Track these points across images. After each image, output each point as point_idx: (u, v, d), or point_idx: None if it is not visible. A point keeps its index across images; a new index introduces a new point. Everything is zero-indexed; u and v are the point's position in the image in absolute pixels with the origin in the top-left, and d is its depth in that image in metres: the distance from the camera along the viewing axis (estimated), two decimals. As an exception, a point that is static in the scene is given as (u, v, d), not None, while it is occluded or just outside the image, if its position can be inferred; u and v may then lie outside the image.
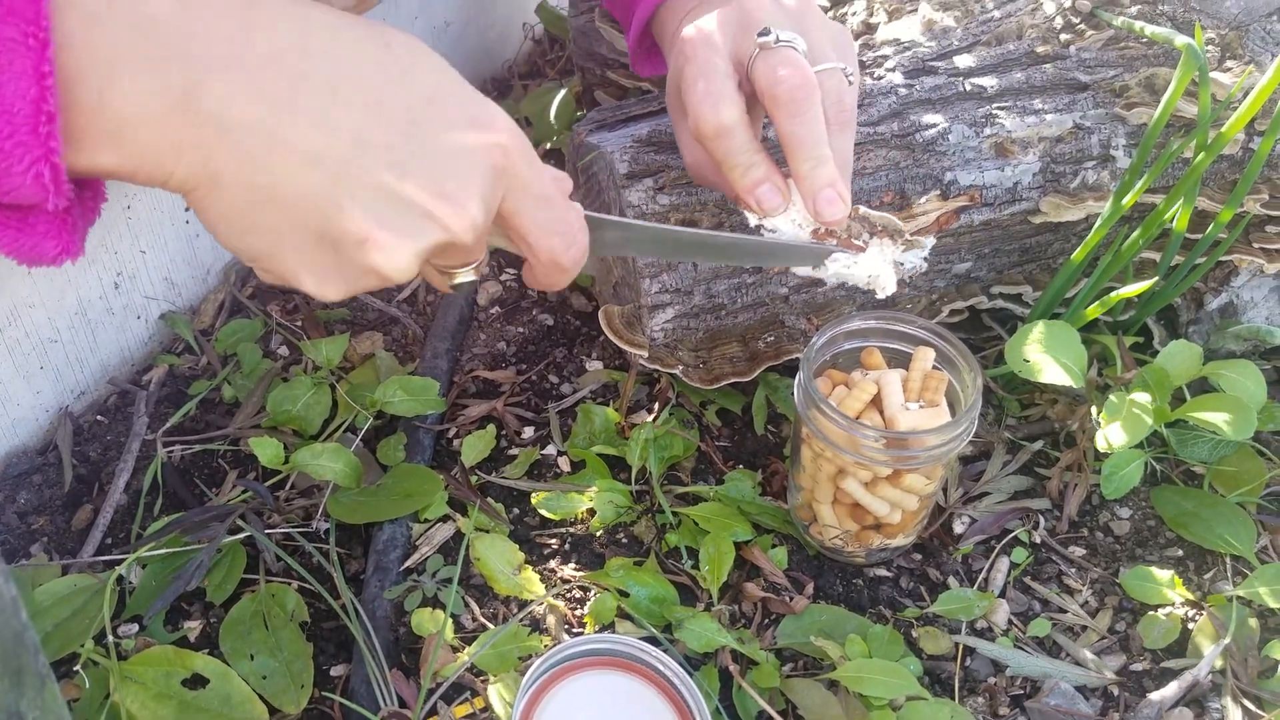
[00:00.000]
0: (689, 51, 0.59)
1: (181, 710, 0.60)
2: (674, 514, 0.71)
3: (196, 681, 0.62)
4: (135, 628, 0.66)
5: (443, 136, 0.42)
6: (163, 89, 0.37)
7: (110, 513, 0.71)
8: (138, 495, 0.73)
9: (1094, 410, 0.73)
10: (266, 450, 0.71)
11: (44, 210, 0.37)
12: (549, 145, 1.02)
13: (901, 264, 0.61)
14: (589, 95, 1.01)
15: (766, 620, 0.67)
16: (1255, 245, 0.77)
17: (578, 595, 0.68)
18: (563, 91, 1.04)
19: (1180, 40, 0.66)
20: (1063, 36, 0.79)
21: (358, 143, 0.40)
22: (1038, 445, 0.78)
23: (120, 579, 0.66)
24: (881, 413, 0.66)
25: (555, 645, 0.61)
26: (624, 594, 0.66)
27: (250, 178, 0.39)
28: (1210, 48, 0.75)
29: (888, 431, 0.63)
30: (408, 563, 0.68)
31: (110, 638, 0.63)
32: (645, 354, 0.76)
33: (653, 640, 0.63)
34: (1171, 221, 0.74)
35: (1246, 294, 0.81)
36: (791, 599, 0.68)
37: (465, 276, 0.48)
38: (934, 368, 0.67)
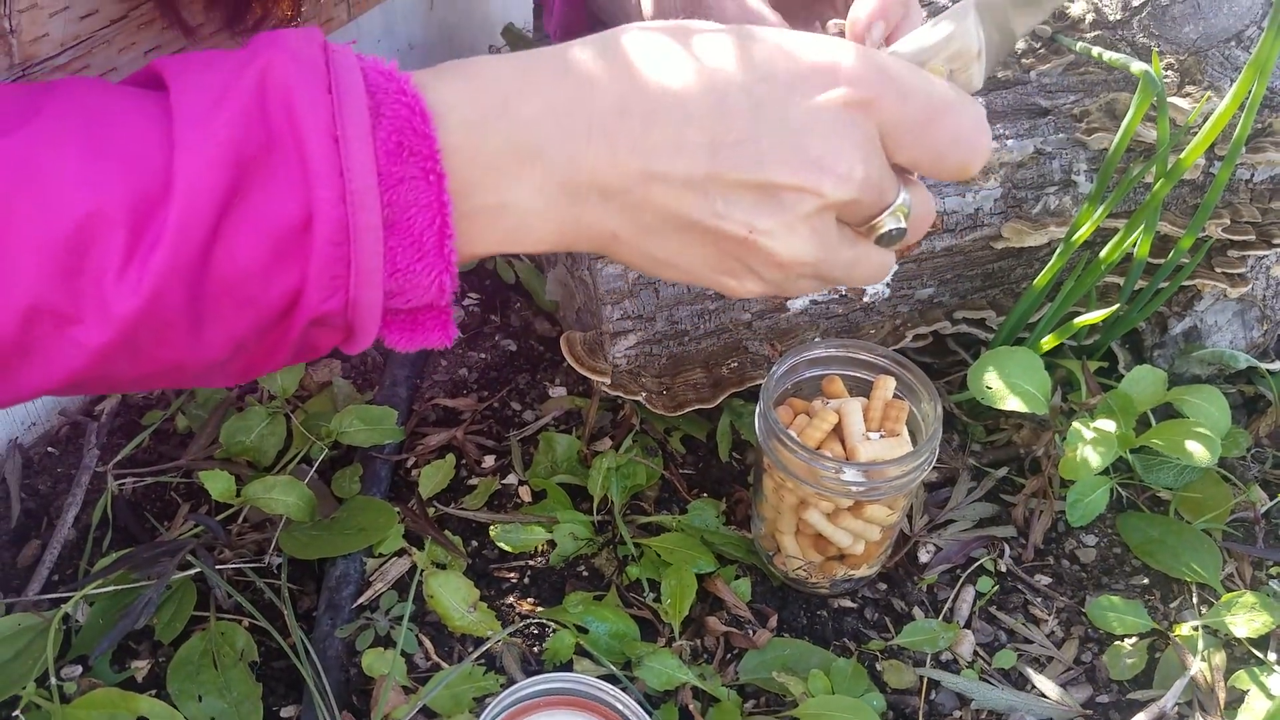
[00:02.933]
0: None
1: (125, 755, 0.58)
2: (636, 545, 0.70)
3: (142, 724, 0.60)
4: (80, 669, 0.64)
5: (790, 108, 0.41)
6: (543, 181, 0.41)
7: (58, 548, 0.69)
8: (87, 530, 0.71)
9: (1058, 437, 0.73)
10: (217, 484, 0.69)
11: (434, 307, 0.42)
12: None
13: None
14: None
15: (729, 655, 0.66)
16: (1218, 270, 0.77)
17: (536, 632, 0.66)
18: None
19: (1137, 67, 0.66)
20: (1023, 61, 0.78)
21: (713, 152, 0.41)
22: (1003, 472, 0.77)
23: (66, 618, 0.65)
24: (843, 442, 0.65)
25: (511, 685, 0.59)
26: (583, 630, 0.65)
27: (641, 223, 0.43)
28: (1170, 73, 0.75)
29: (848, 463, 0.62)
30: (361, 599, 0.67)
31: (54, 680, 0.61)
32: (608, 381, 0.75)
33: (611, 678, 0.62)
34: (1133, 247, 0.74)
35: (1210, 318, 0.81)
36: (755, 633, 0.67)
37: (888, 224, 0.44)
38: (895, 396, 0.66)
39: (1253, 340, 0.82)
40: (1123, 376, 0.76)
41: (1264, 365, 0.80)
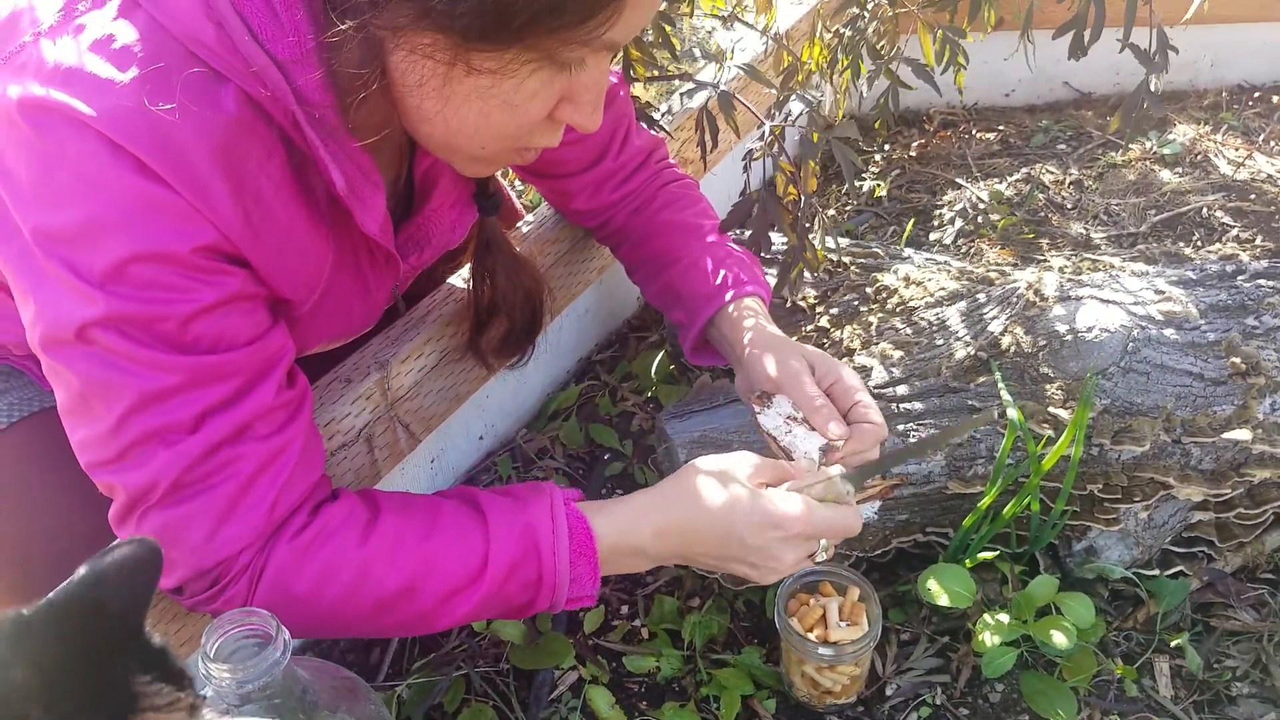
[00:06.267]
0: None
1: (433, 773, 1.13)
2: (708, 674, 1.19)
3: (439, 757, 1.14)
4: (407, 724, 1.19)
5: (758, 538, 0.90)
6: (643, 560, 0.94)
7: (390, 656, 1.26)
8: (403, 643, 1.28)
9: (972, 625, 1.16)
10: (478, 622, 1.23)
11: (589, 597, 0.93)
12: (649, 393, 1.53)
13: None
14: (676, 359, 1.51)
15: (758, 744, 1.13)
16: (1098, 515, 1.17)
17: (648, 722, 1.16)
18: (660, 354, 1.54)
19: (1011, 414, 1.09)
20: (969, 374, 1.22)
21: (724, 544, 0.93)
22: (946, 639, 1.20)
23: (398, 696, 1.20)
24: (825, 626, 1.11)
25: (631, 753, 1.09)
26: (673, 724, 1.14)
27: (694, 564, 0.97)
28: (1059, 392, 1.17)
29: (822, 644, 1.08)
30: (552, 695, 1.19)
31: (394, 729, 1.16)
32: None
33: (687, 754, 1.11)
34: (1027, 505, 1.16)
35: (1101, 540, 1.20)
36: (774, 733, 1.14)
37: (820, 557, 0.95)
38: (858, 600, 1.12)
39: (1134, 557, 1.21)
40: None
41: (1137, 572, 1.19)
